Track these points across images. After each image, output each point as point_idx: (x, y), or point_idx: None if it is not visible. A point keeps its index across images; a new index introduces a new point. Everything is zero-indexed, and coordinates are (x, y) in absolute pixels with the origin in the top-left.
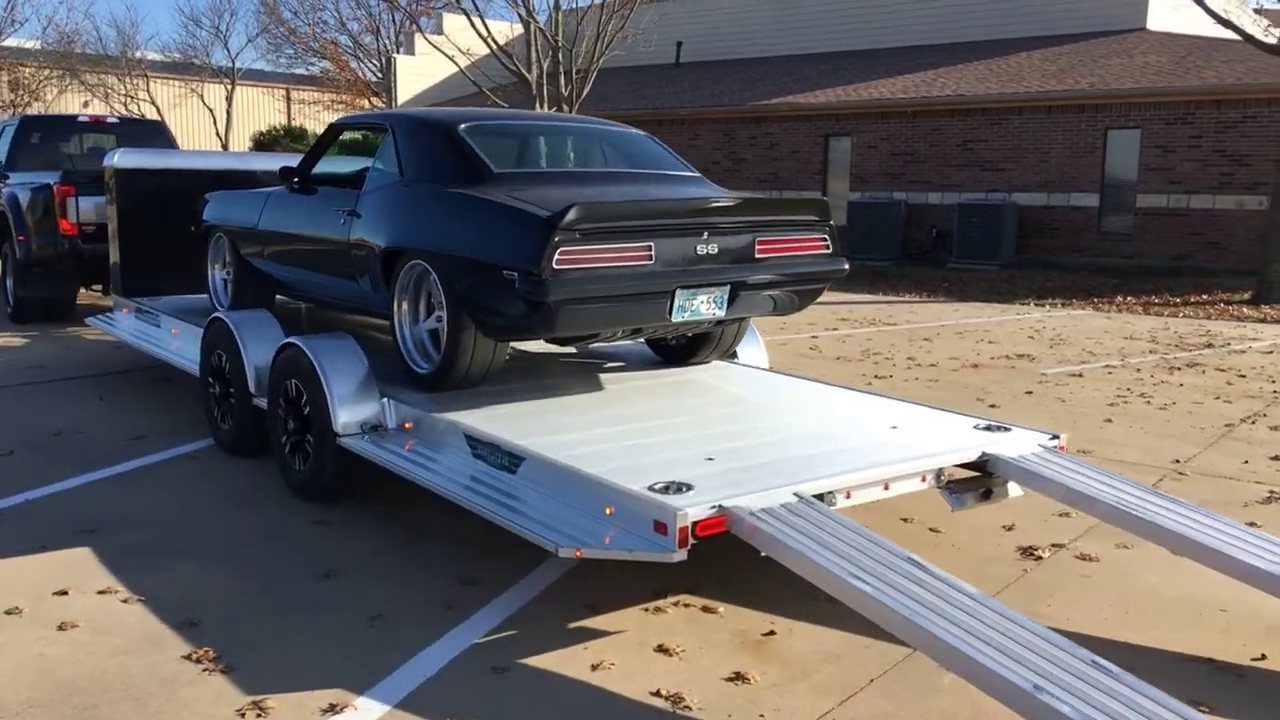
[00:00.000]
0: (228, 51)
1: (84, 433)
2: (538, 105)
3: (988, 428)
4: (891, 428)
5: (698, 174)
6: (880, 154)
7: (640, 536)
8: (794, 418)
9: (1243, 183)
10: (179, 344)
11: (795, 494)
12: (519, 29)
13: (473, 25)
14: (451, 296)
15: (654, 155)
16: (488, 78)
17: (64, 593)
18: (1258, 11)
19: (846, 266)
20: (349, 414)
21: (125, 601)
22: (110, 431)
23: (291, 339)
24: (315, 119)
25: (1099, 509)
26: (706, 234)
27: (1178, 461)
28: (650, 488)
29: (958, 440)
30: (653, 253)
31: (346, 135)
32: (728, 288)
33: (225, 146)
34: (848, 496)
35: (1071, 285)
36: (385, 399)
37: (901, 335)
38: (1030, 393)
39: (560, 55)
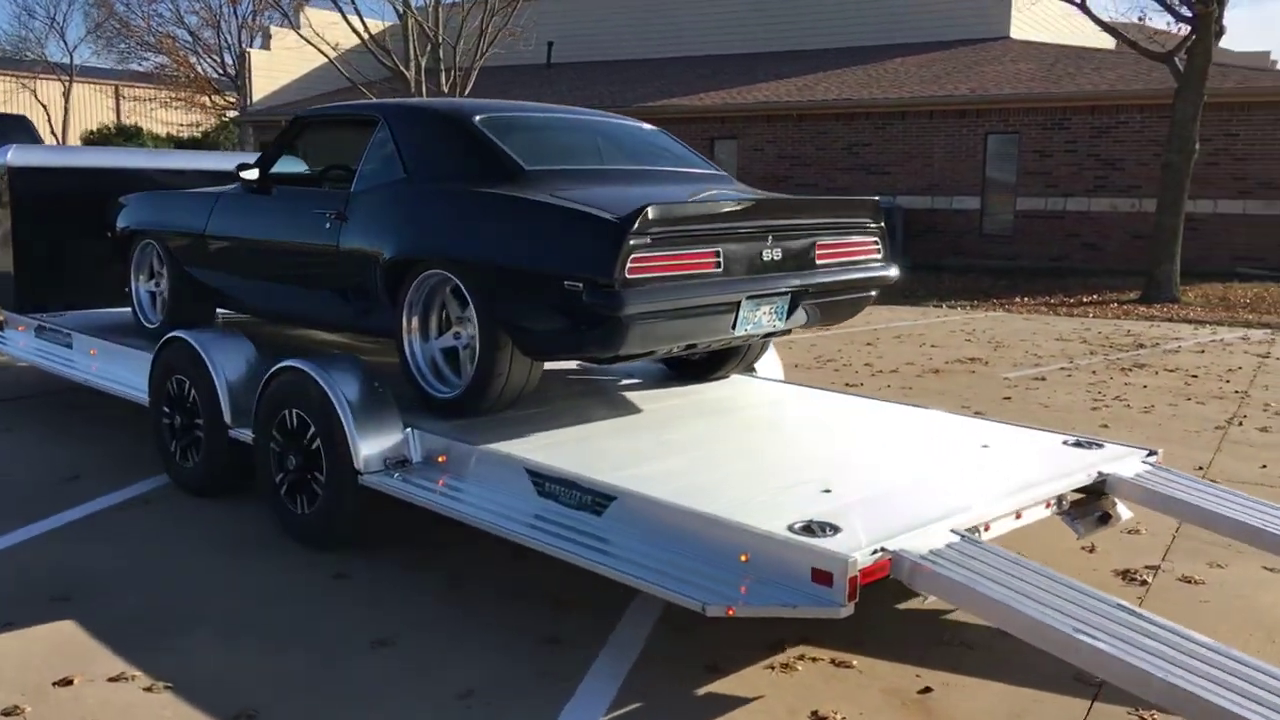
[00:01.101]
0: (64, 45)
1: (4, 475)
2: None
3: (1077, 444)
4: (983, 446)
5: (722, 170)
6: (767, 157)
7: (793, 588)
8: (873, 438)
9: (1117, 186)
10: (102, 365)
11: (953, 530)
12: (388, 23)
13: (345, 18)
14: (487, 311)
15: (676, 151)
16: (360, 74)
17: (67, 682)
18: (1140, 19)
19: (897, 272)
20: (371, 448)
21: (149, 690)
22: (37, 471)
23: (292, 362)
24: (149, 117)
25: (1225, 526)
26: (770, 238)
27: (1200, 469)
28: (791, 529)
29: (1067, 461)
30: (720, 259)
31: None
32: (789, 296)
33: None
34: (986, 529)
35: (966, 286)
36: (409, 429)
37: (842, 340)
38: (1008, 398)
39: (441, 51)
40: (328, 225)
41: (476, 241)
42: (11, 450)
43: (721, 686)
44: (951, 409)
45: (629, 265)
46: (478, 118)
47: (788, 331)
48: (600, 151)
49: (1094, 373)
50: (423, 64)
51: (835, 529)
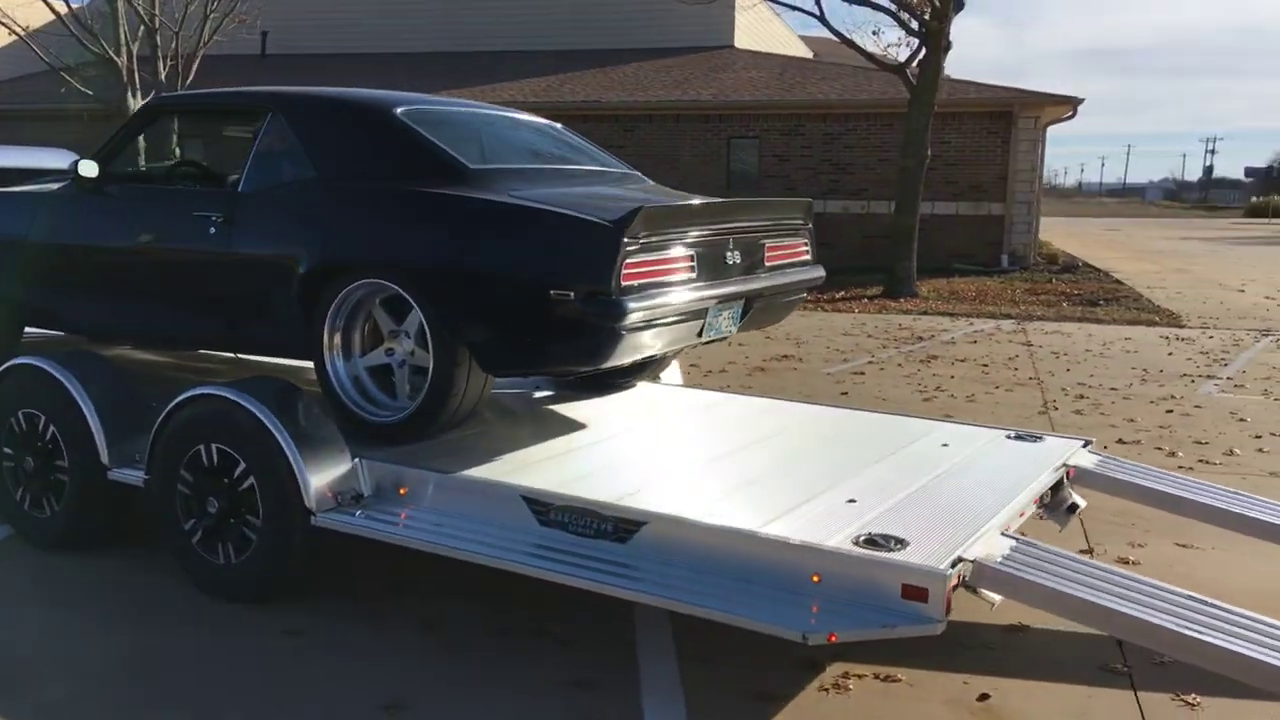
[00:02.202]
0: None
1: None
2: (129, 94)
3: (1019, 437)
4: (943, 445)
5: (632, 168)
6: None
7: (882, 607)
8: (841, 443)
9: (848, 189)
10: None
11: (1003, 534)
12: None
13: None
14: (443, 324)
15: (588, 149)
16: (60, 58)
17: None
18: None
19: (823, 273)
20: (321, 483)
21: None
22: None
23: (210, 389)
24: None
25: (1189, 508)
26: (731, 240)
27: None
28: (857, 543)
29: (1037, 457)
30: (695, 263)
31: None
32: (744, 300)
33: None
34: (1008, 530)
35: None
36: (358, 460)
37: None
38: (846, 393)
39: (159, 37)
40: (213, 230)
41: (429, 248)
42: None
43: (789, 717)
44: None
45: (623, 272)
46: (399, 110)
47: (724, 338)
48: (525, 149)
49: (899, 365)
50: (134, 50)
51: (901, 541)
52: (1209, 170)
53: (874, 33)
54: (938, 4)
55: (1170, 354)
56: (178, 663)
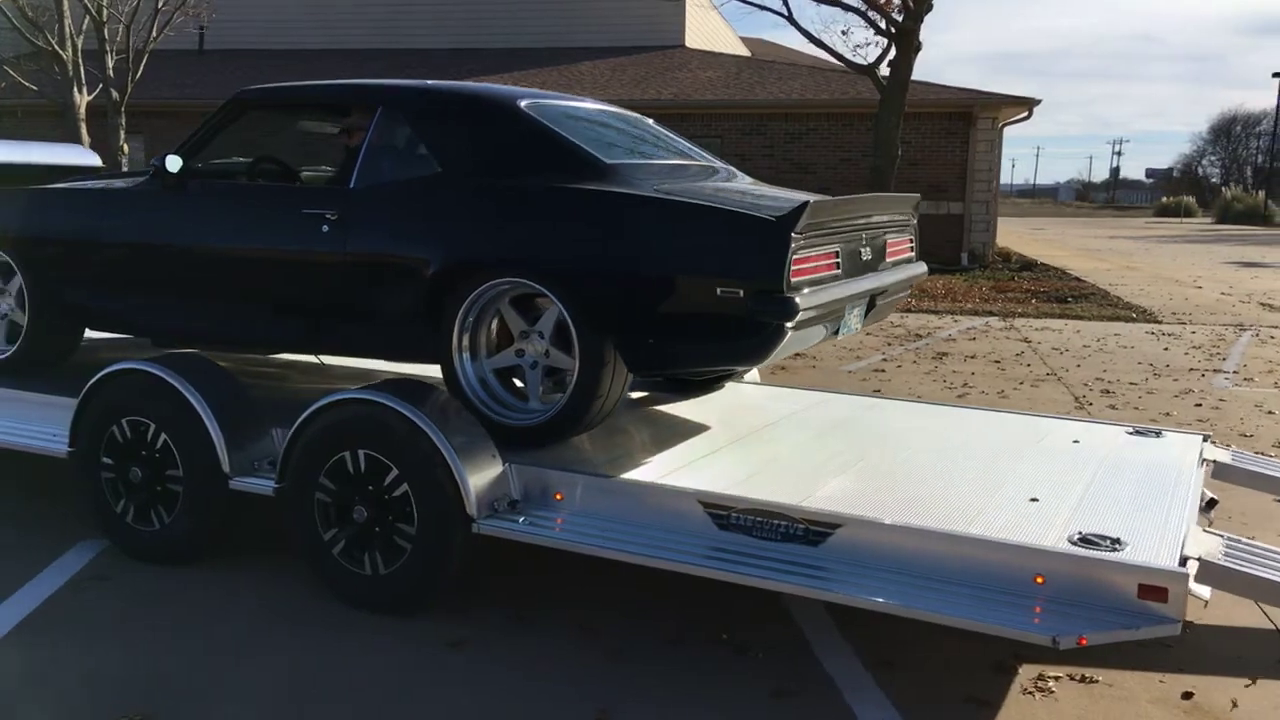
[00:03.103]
0: None
1: None
2: (75, 89)
3: (1138, 432)
4: (1074, 442)
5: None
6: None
7: (1117, 608)
8: (980, 444)
9: (810, 189)
10: None
11: (1207, 531)
12: None
13: None
14: (591, 324)
15: (683, 142)
16: None
17: None
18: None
19: (926, 270)
20: (480, 490)
21: None
22: None
23: (358, 393)
24: None
25: None
26: (863, 237)
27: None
28: (1072, 541)
29: (1176, 454)
30: (839, 260)
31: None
32: (869, 296)
33: None
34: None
35: None
36: (508, 464)
37: None
38: (879, 390)
39: (107, 30)
40: (325, 229)
41: (580, 246)
42: None
43: None
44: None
45: (792, 268)
46: (524, 103)
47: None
48: (637, 144)
49: (915, 363)
50: (79, 44)
51: (1116, 541)
52: (1115, 172)
53: (843, 33)
54: (912, 4)
55: (1166, 349)
56: (353, 679)
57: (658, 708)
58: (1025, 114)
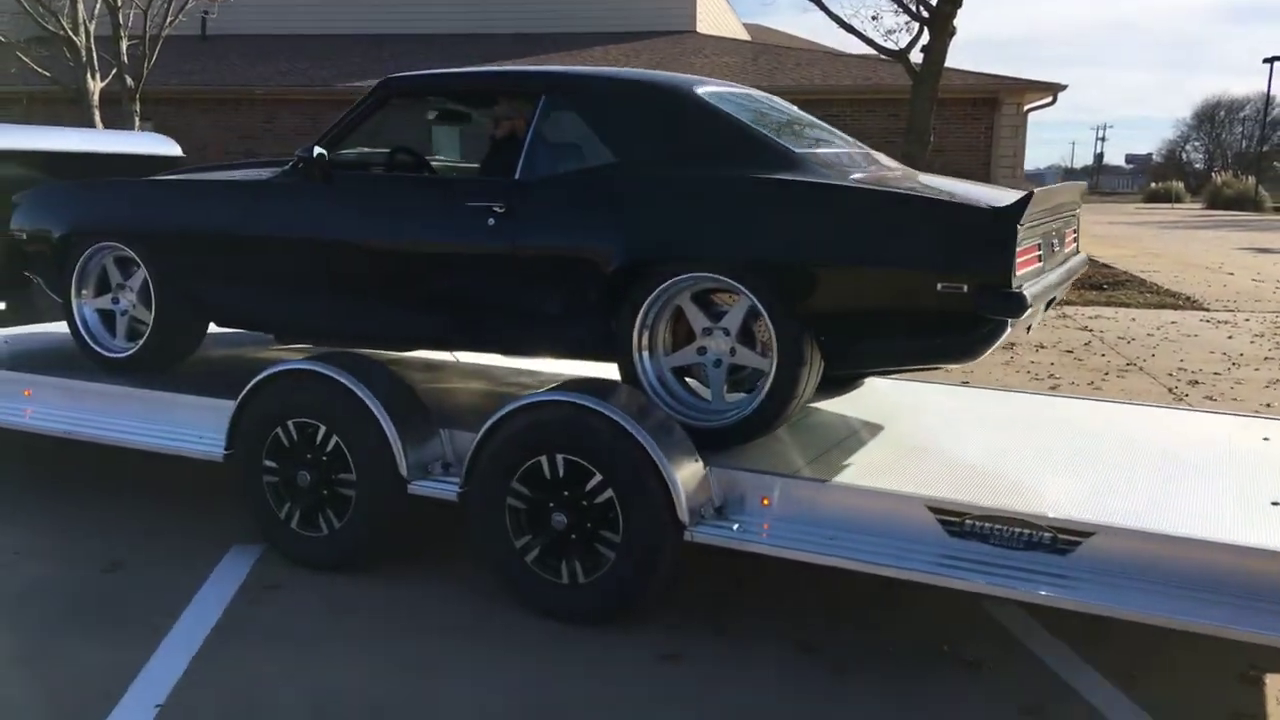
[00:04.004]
0: None
1: (2, 568)
2: (89, 75)
3: None
4: (1264, 439)
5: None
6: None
7: None
8: (1172, 445)
9: None
10: (51, 410)
11: None
12: None
13: None
14: (794, 321)
15: (834, 129)
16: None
17: None
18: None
19: (1087, 259)
20: (692, 495)
21: None
22: (50, 564)
23: (559, 395)
24: None
25: None
26: (1054, 227)
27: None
28: None
29: None
30: (1041, 252)
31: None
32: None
33: None
34: None
35: None
36: (709, 469)
37: None
38: (965, 383)
39: (123, 15)
40: (491, 222)
41: (784, 241)
42: None
43: None
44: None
45: (1017, 262)
46: (702, 90)
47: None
48: (806, 130)
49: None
50: (91, 30)
51: None
52: (1099, 158)
53: (874, 18)
54: None
55: (1230, 338)
56: (572, 696)
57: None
58: (1050, 99)
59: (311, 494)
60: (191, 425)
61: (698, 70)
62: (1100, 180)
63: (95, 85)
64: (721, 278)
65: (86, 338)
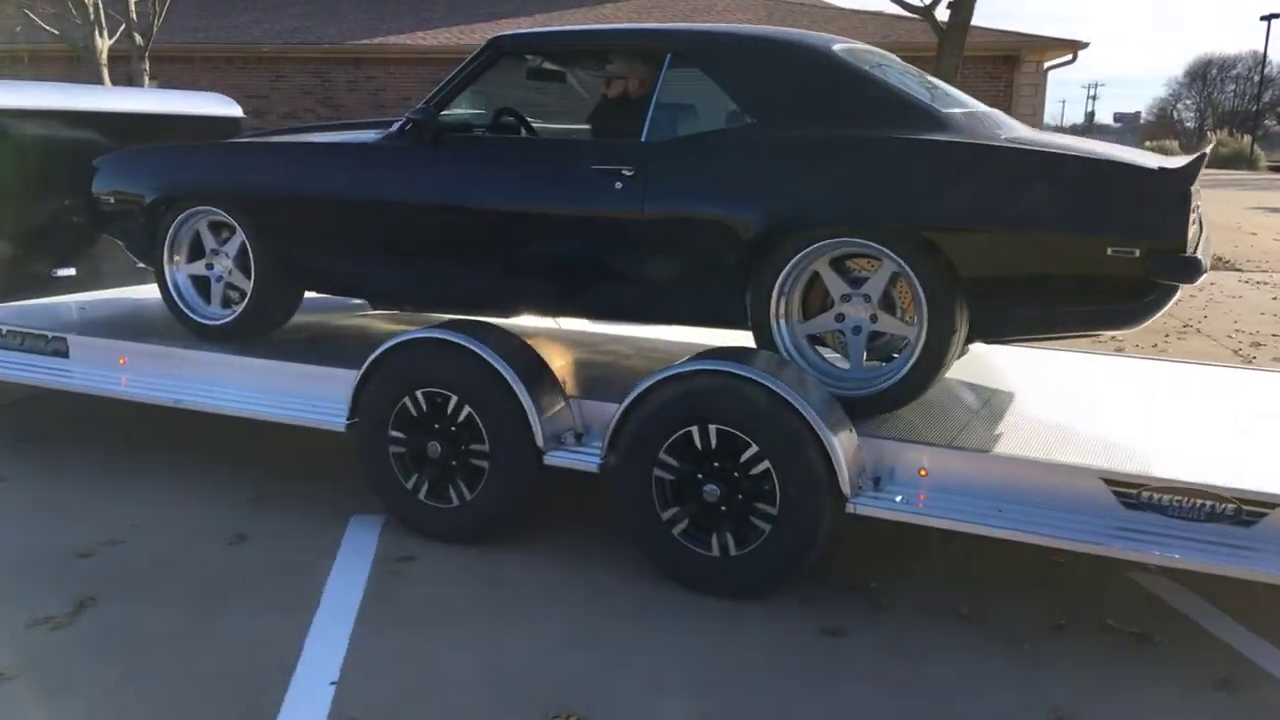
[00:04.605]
0: None
1: (125, 542)
2: (97, 33)
3: None
4: None
5: None
6: (503, 102)
7: None
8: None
9: None
10: (149, 379)
11: None
12: None
13: None
14: (947, 287)
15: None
16: None
17: None
18: None
19: None
20: (852, 466)
21: None
22: (167, 537)
23: (710, 364)
24: None
25: None
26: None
27: None
28: None
29: None
30: (1198, 216)
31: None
32: None
33: None
34: None
35: None
36: (860, 439)
37: None
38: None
39: None
40: (619, 186)
41: (941, 205)
42: (78, 508)
43: None
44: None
45: (1189, 226)
46: (838, 48)
47: None
48: (935, 90)
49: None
50: None
51: None
52: (1090, 116)
53: None
54: None
55: (1275, 298)
56: (747, 666)
57: (1107, 703)
58: (1070, 56)
59: (441, 465)
60: (305, 394)
61: (708, 21)
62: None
63: (103, 43)
64: (870, 243)
65: (180, 304)
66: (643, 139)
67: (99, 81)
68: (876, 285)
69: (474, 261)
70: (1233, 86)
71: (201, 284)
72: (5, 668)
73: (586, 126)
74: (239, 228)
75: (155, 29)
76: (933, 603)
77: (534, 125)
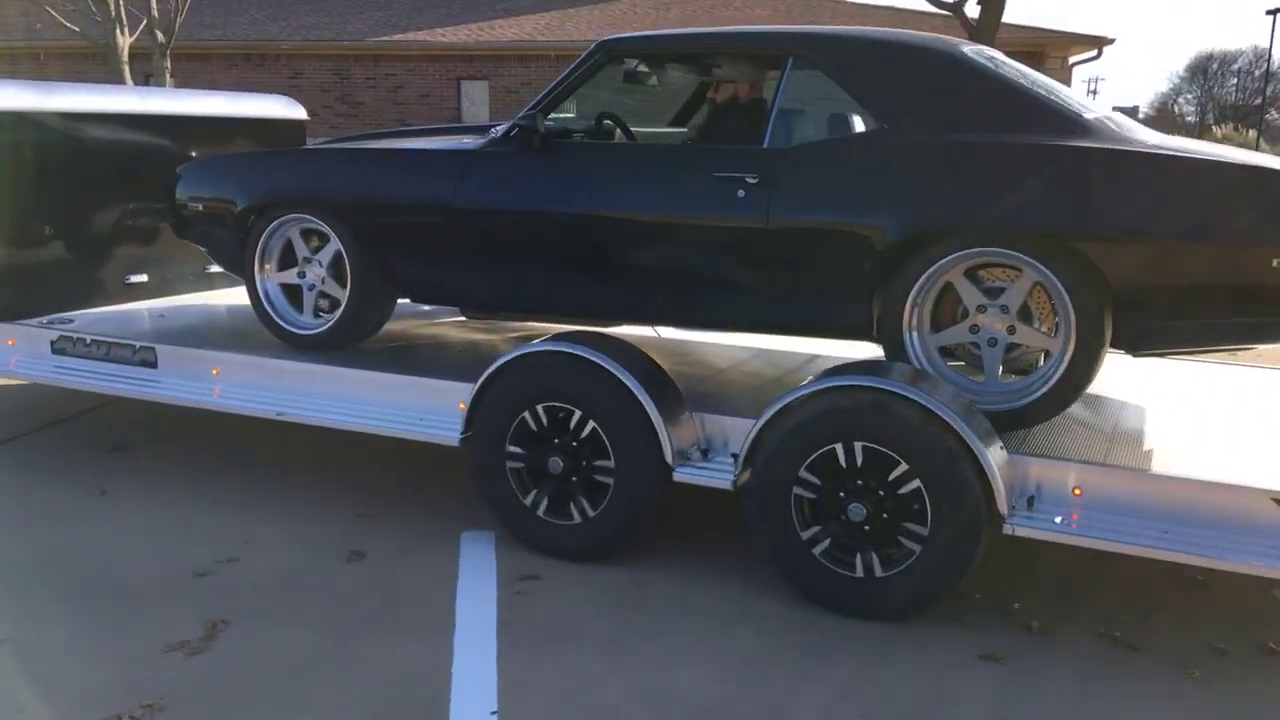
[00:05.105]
0: None
1: (240, 559)
2: (119, 30)
3: None
4: None
5: None
6: (523, 100)
7: None
8: None
9: None
10: (244, 390)
11: None
12: None
13: None
14: (1098, 299)
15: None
16: None
17: None
18: None
19: None
20: (1007, 485)
21: None
22: (283, 555)
23: (859, 379)
24: None
25: None
26: None
27: None
28: None
29: None
30: None
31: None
32: None
33: None
34: None
35: None
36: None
37: None
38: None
39: None
40: (742, 194)
41: (1092, 214)
42: (188, 523)
43: None
44: None
45: None
46: (967, 50)
47: None
48: (1068, 93)
49: None
50: None
51: None
52: None
53: None
54: None
55: None
56: (921, 697)
57: None
58: (1095, 52)
59: (562, 481)
60: (412, 407)
61: (732, 21)
62: None
63: (125, 41)
64: (1015, 253)
65: (272, 313)
66: (764, 145)
67: (120, 80)
68: (1015, 296)
69: (584, 269)
70: (1234, 81)
71: (291, 292)
72: (156, 698)
73: (689, 131)
74: (334, 236)
75: (178, 25)
76: (1083, 625)
77: (631, 130)
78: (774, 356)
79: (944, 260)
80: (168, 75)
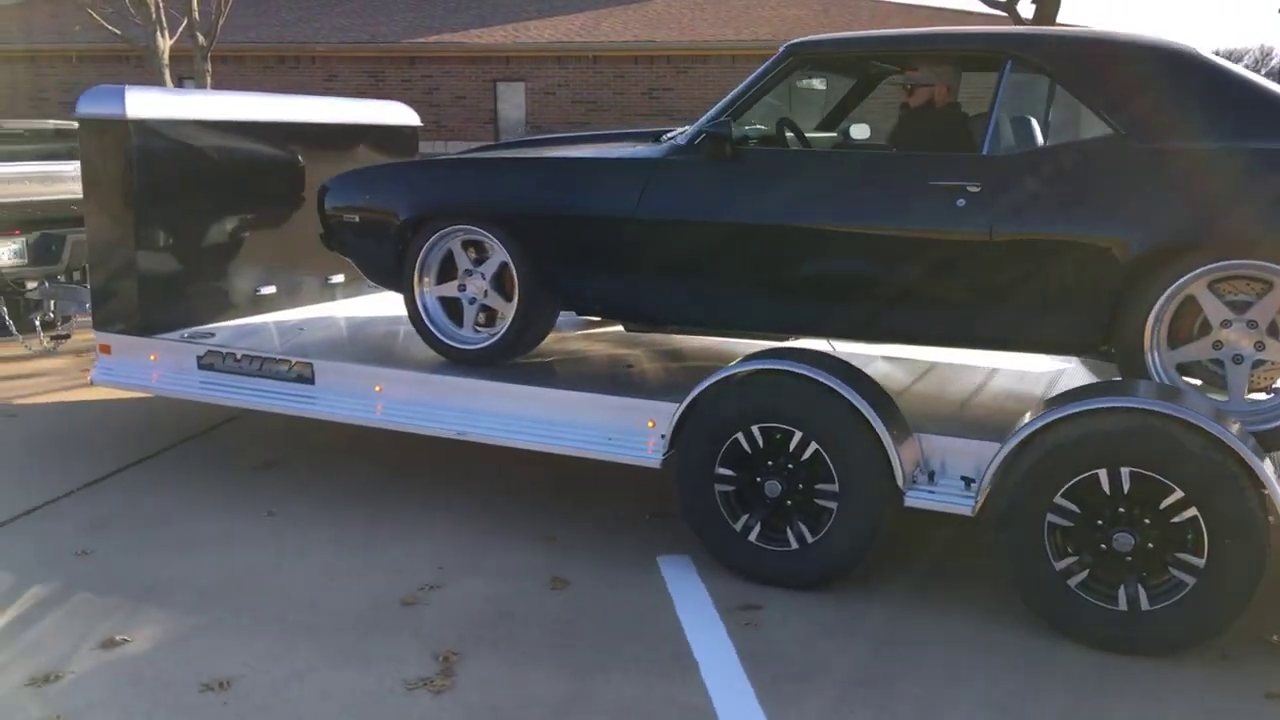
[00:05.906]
0: None
1: (442, 586)
2: (159, 33)
3: None
4: None
5: None
6: (560, 101)
7: None
8: None
9: None
10: (410, 407)
11: None
12: None
13: None
14: None
15: None
16: None
17: None
18: None
19: None
20: None
21: None
22: (481, 581)
23: (1121, 401)
24: None
25: None
26: None
27: None
28: None
29: None
30: None
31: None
32: None
33: None
34: None
35: None
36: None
37: None
38: None
39: None
40: (962, 203)
41: None
42: (369, 552)
43: None
44: None
45: None
46: (1200, 50)
47: None
48: None
49: None
50: None
51: None
52: None
53: None
54: None
55: None
56: None
57: None
58: None
59: (777, 505)
60: (601, 426)
61: (772, 24)
62: None
63: (165, 43)
64: (1267, 263)
65: (432, 328)
66: (984, 152)
67: (160, 82)
68: (1266, 310)
69: (779, 282)
70: None
71: (449, 306)
72: None
73: (878, 138)
74: (500, 247)
75: (219, 28)
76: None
77: (807, 136)
78: (945, 370)
79: (1192, 274)
80: (208, 78)
